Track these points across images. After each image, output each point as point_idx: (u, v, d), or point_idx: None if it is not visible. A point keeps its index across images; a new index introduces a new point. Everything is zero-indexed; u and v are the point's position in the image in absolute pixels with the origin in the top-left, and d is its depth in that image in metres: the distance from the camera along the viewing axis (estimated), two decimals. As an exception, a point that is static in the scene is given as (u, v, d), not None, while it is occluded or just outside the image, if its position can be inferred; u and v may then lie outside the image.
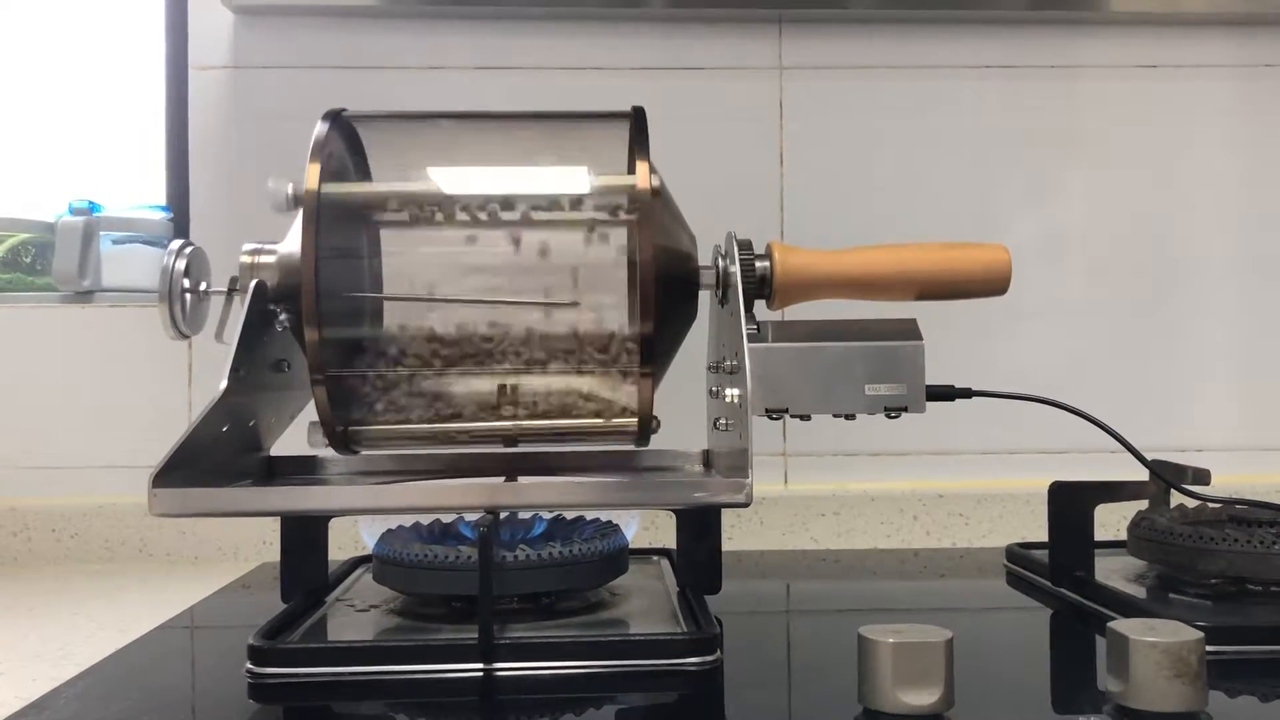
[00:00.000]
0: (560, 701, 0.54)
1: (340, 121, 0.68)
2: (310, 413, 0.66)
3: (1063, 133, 1.03)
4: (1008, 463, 1.01)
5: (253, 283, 0.66)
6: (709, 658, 0.57)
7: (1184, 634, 0.48)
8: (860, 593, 0.84)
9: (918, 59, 1.02)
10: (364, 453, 0.72)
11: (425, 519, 0.71)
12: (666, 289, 0.65)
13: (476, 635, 0.57)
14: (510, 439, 0.70)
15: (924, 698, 0.47)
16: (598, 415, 0.68)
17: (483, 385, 0.67)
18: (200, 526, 0.95)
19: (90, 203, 1.01)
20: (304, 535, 0.69)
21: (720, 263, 0.69)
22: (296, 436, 0.72)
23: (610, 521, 0.71)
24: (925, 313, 0.69)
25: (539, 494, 0.62)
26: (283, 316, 0.67)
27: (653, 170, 0.66)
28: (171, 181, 1.04)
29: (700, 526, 0.70)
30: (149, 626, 0.69)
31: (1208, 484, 0.76)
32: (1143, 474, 0.75)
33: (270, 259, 0.67)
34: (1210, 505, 0.76)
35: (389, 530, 0.70)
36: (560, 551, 0.64)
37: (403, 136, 0.75)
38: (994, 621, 0.73)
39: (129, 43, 1.08)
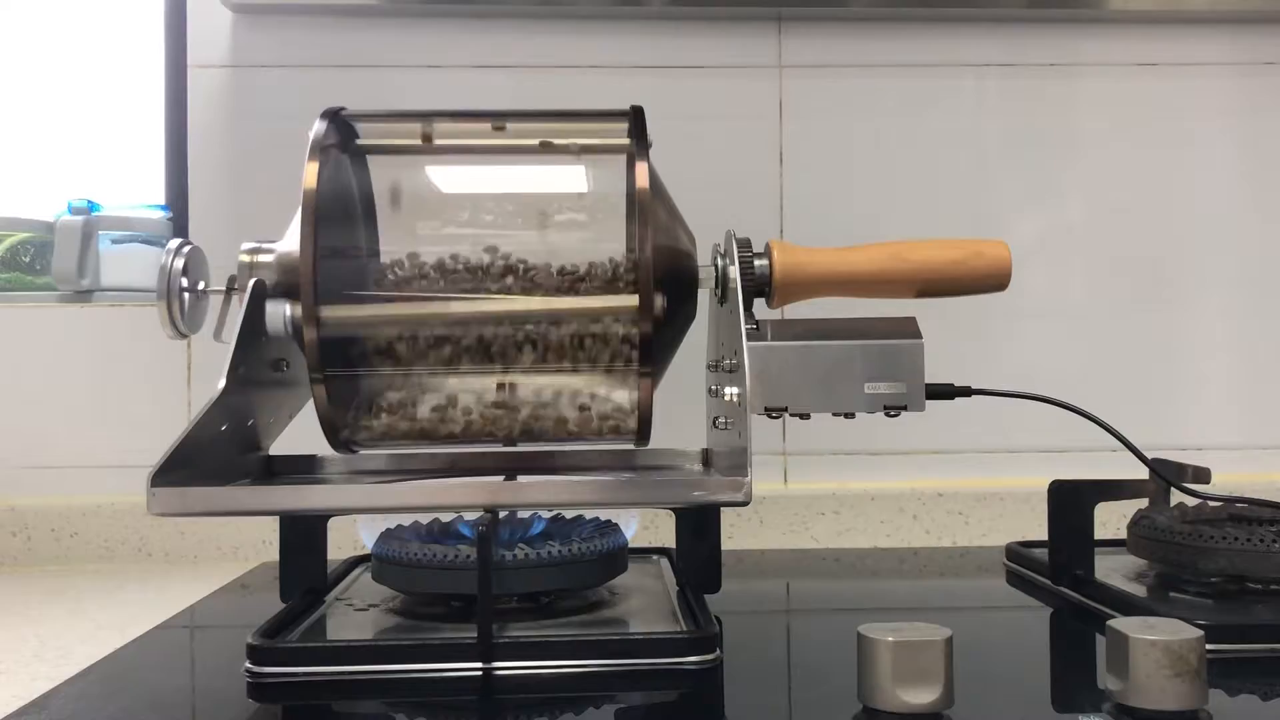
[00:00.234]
0: (559, 701, 0.54)
1: (339, 120, 0.68)
2: (309, 411, 0.66)
3: (1063, 131, 1.03)
4: (1007, 461, 1.01)
5: (251, 282, 0.66)
6: (708, 657, 0.57)
7: (1184, 632, 0.48)
8: (860, 591, 0.84)
9: (917, 57, 1.02)
10: (363, 452, 0.72)
11: (424, 518, 0.71)
12: (666, 288, 0.65)
13: (475, 634, 0.57)
14: (510, 438, 0.70)
15: (924, 696, 0.47)
16: (597, 414, 0.68)
17: (482, 384, 0.67)
18: (199, 526, 0.95)
19: (89, 202, 1.01)
20: (303, 534, 0.69)
21: (719, 261, 0.69)
22: (296, 436, 0.72)
23: (609, 521, 0.71)
24: (925, 312, 0.69)
25: (538, 493, 0.62)
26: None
27: (651, 169, 0.65)
28: (170, 181, 1.04)
29: (700, 525, 0.70)
30: (148, 626, 0.69)
31: (1208, 482, 0.76)
32: (1143, 472, 0.75)
33: (269, 258, 0.67)
34: (1210, 504, 0.76)
35: (388, 529, 0.70)
36: (559, 551, 0.64)
37: (402, 135, 0.75)
38: (994, 620, 0.73)
39: (128, 42, 1.08)
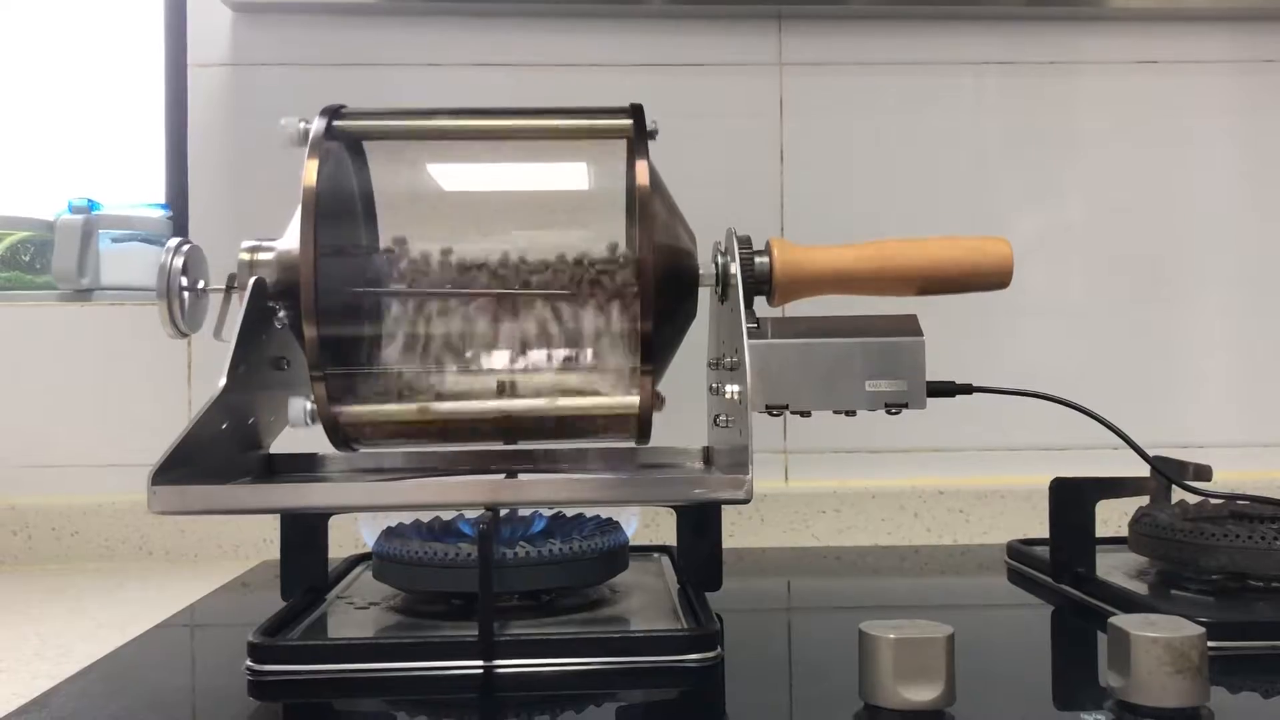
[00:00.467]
0: (560, 698, 0.54)
1: (338, 117, 0.68)
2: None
3: (1062, 129, 1.03)
4: (1008, 459, 1.01)
5: (251, 280, 0.66)
6: (709, 654, 0.57)
7: (1185, 629, 0.48)
8: (861, 589, 0.84)
9: (917, 55, 1.02)
10: (363, 450, 0.72)
11: (425, 516, 0.71)
12: (666, 286, 0.65)
13: (476, 632, 0.57)
14: (510, 436, 0.70)
15: (925, 694, 0.47)
16: (598, 413, 0.68)
17: (483, 382, 0.67)
18: (200, 524, 0.95)
19: (89, 201, 1.01)
20: (304, 533, 0.69)
21: (720, 259, 0.69)
22: (296, 434, 0.72)
23: (610, 519, 0.71)
24: (925, 310, 0.69)
25: (539, 491, 0.62)
26: (281, 314, 0.67)
27: (651, 167, 0.65)
28: (170, 179, 1.04)
29: (701, 523, 0.70)
30: (149, 624, 0.69)
31: (1209, 480, 0.76)
32: (1144, 470, 0.75)
33: (269, 256, 0.67)
34: (1212, 501, 0.76)
35: (389, 528, 0.70)
36: (560, 548, 0.64)
37: (401, 133, 0.75)
38: (995, 618, 0.73)
39: (128, 40, 1.08)
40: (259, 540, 0.95)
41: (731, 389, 0.65)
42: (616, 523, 0.70)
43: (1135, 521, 0.75)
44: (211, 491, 0.60)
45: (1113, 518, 0.82)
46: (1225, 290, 1.03)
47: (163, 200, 1.05)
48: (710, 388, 0.75)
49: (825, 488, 0.99)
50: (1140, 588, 0.71)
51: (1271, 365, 1.03)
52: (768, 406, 0.66)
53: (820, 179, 1.01)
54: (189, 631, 0.71)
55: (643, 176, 0.65)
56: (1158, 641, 0.47)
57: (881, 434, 0.99)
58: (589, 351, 0.66)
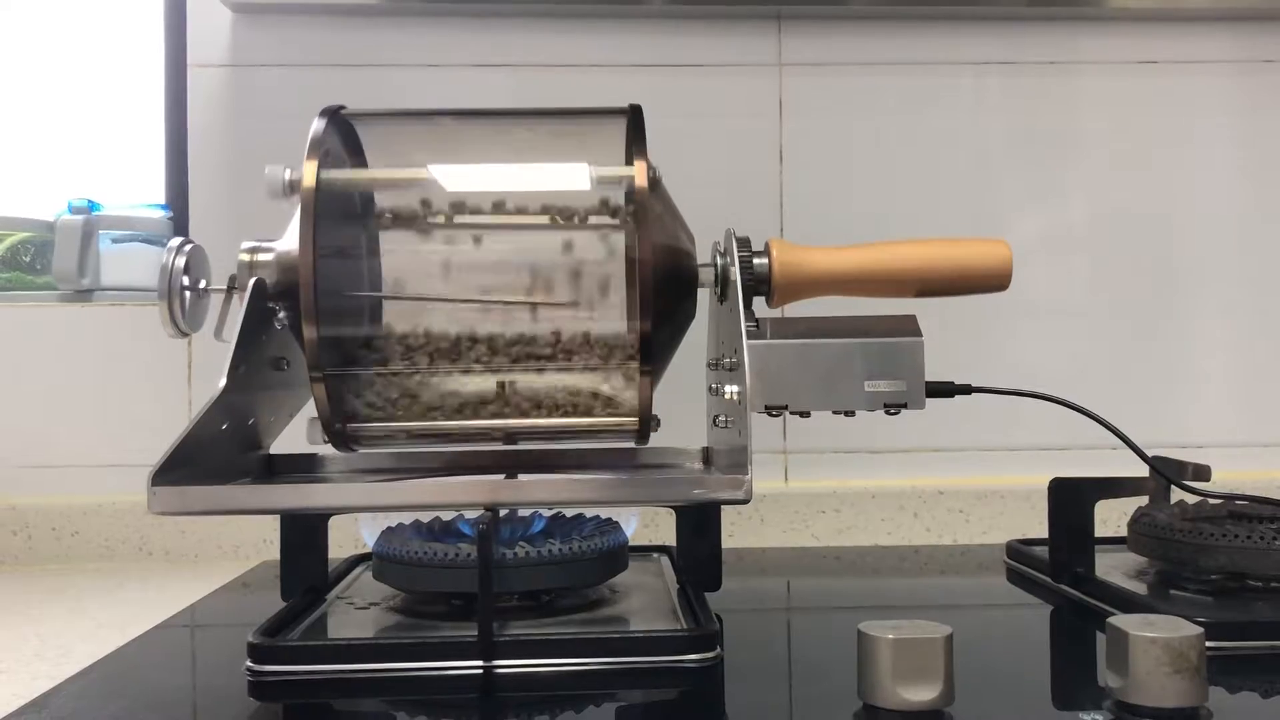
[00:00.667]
0: (560, 699, 0.54)
1: (338, 118, 0.68)
2: (310, 410, 0.66)
3: (1063, 129, 1.03)
4: (1008, 459, 1.01)
5: (251, 280, 0.66)
6: (709, 654, 0.57)
7: (1184, 629, 0.48)
8: (860, 589, 0.84)
9: (917, 55, 1.02)
10: (363, 450, 0.72)
11: (425, 516, 0.71)
12: (665, 287, 0.65)
13: (476, 633, 0.57)
14: (510, 437, 0.70)
15: (924, 694, 0.47)
16: (597, 413, 0.68)
17: (482, 383, 0.67)
18: (200, 525, 0.96)
19: (89, 201, 1.01)
20: (304, 533, 0.69)
21: (719, 260, 0.69)
22: (296, 434, 0.72)
23: (610, 519, 0.71)
24: (925, 310, 0.69)
25: (539, 491, 0.62)
26: (281, 314, 0.67)
27: (650, 167, 0.65)
28: (171, 180, 1.04)
29: (700, 523, 0.70)
30: (149, 625, 0.69)
31: (1208, 480, 0.76)
32: (1143, 470, 0.75)
33: (269, 257, 0.67)
34: (1210, 501, 0.76)
35: (389, 528, 0.70)
36: (560, 549, 0.64)
37: (400, 134, 0.75)
38: (994, 618, 0.73)
39: (128, 41, 1.08)
40: (259, 540, 0.95)
41: (731, 389, 0.65)
42: (616, 523, 0.70)
43: (1134, 521, 0.75)
44: (211, 492, 0.60)
45: (1112, 518, 0.82)
46: (1225, 290, 1.03)
47: (163, 201, 1.05)
48: (709, 388, 0.75)
49: (825, 488, 0.99)
50: (1139, 588, 0.71)
51: (1271, 365, 1.03)
52: (767, 407, 0.66)
53: (820, 179, 1.01)
54: (189, 632, 0.71)
55: (641, 177, 0.65)
56: (1156, 641, 0.47)
57: (881, 434, 0.99)
58: (589, 351, 0.66)
